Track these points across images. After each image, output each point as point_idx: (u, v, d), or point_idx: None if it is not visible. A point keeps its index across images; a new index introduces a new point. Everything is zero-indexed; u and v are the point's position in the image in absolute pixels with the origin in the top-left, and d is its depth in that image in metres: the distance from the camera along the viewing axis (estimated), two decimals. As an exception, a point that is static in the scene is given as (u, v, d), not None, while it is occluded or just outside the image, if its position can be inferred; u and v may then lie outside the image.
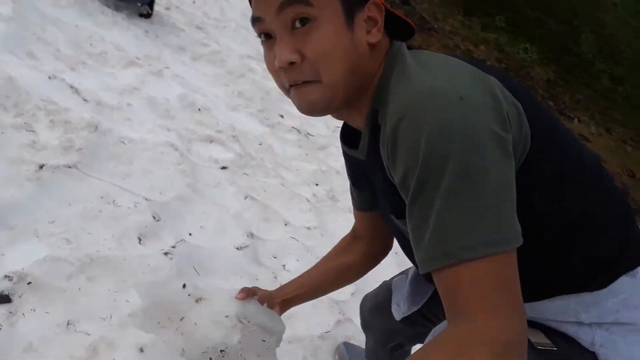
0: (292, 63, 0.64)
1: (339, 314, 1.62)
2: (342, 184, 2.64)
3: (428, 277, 0.67)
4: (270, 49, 0.68)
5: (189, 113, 2.59)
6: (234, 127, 2.66)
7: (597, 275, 0.68)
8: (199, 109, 2.67)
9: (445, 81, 0.59)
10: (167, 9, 4.05)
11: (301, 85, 0.66)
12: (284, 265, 1.78)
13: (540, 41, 10.66)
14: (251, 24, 0.69)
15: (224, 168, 2.24)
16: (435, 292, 0.65)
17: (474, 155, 0.55)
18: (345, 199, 2.55)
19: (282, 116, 3.19)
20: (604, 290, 0.68)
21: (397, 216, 0.73)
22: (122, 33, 3.12)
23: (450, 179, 0.55)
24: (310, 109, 0.68)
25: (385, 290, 1.12)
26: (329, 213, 2.31)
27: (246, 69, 3.68)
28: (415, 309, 1.00)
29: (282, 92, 0.72)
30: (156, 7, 3.67)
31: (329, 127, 3.39)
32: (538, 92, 8.62)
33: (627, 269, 0.69)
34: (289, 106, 3.17)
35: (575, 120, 8.62)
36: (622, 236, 0.72)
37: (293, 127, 3.10)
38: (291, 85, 0.68)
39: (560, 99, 8.91)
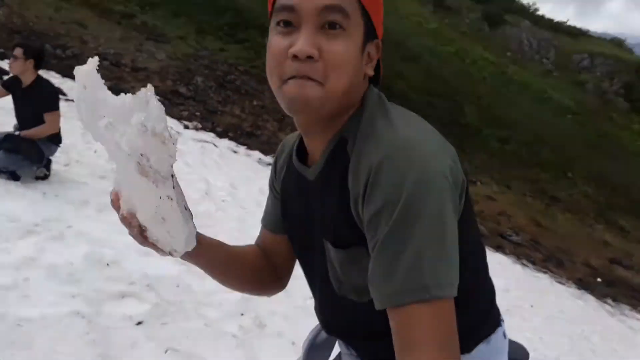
0: (309, 57, 0.67)
1: None
2: (268, 305, 2.61)
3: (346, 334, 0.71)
4: (284, 36, 0.70)
5: (97, 271, 2.49)
6: (148, 275, 2.58)
7: (465, 341, 0.74)
8: (108, 264, 2.58)
9: (424, 136, 0.68)
10: (67, 165, 4.03)
11: (305, 79, 0.68)
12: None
13: (431, 119, 11.85)
14: (276, 9, 0.72)
15: (139, 323, 2.13)
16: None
17: (445, 206, 0.63)
18: (273, 322, 2.51)
19: (199, 248, 3.16)
20: (467, 355, 0.77)
21: (335, 245, 0.76)
22: (16, 201, 3.03)
23: (427, 222, 0.62)
24: (304, 103, 0.69)
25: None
26: (258, 343, 2.23)
27: (157, 207, 3.67)
28: None
29: (275, 87, 0.72)
30: (54, 166, 3.64)
31: (249, 248, 3.40)
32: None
33: (485, 337, 0.80)
34: (204, 237, 3.16)
35: (478, 183, 9.43)
36: (485, 310, 0.83)
37: (212, 258, 3.07)
38: (292, 77, 0.69)
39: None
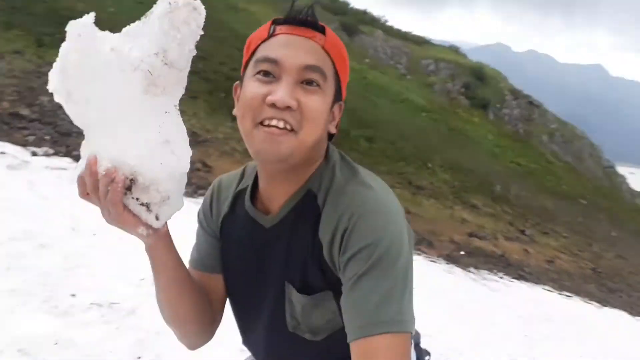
0: (288, 107, 0.73)
1: None
2: (169, 342, 2.35)
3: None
4: (263, 84, 0.76)
5: None
6: (17, 338, 2.14)
7: None
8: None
9: (387, 196, 0.80)
10: None
11: (280, 131, 0.73)
12: None
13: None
14: (258, 59, 0.77)
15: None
16: None
17: (409, 257, 0.76)
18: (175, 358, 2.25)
19: (74, 295, 2.70)
20: None
21: (300, 291, 0.82)
22: None
23: (397, 268, 0.72)
24: (275, 151, 0.74)
25: None
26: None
27: (12, 256, 3.03)
28: None
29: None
30: None
31: (131, 283, 3.02)
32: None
33: None
34: (79, 278, 2.70)
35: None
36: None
37: (92, 303, 2.65)
38: (264, 124, 0.74)
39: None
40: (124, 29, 0.65)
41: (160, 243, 0.78)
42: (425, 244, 7.37)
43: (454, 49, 31.79)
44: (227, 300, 0.99)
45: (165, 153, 0.66)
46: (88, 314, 2.54)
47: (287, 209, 0.83)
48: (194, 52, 0.65)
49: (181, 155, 0.68)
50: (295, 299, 0.82)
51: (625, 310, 6.60)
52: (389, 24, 30.51)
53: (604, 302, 6.78)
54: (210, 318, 0.95)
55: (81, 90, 0.64)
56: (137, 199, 0.68)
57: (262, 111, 0.74)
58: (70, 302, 2.64)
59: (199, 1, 0.64)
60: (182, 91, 0.67)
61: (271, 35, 0.78)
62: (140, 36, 0.63)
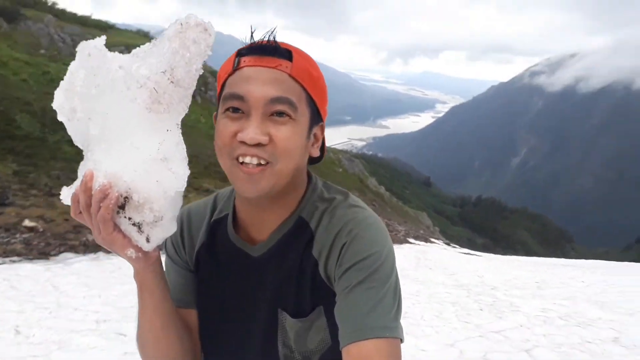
0: (258, 143, 0.74)
1: None
2: None
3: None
4: (233, 121, 0.76)
5: None
6: None
7: None
8: None
9: (373, 216, 0.83)
10: None
11: (257, 168, 0.75)
12: None
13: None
14: (225, 96, 0.77)
15: None
16: None
17: (396, 270, 0.80)
18: None
19: None
20: None
21: (294, 315, 0.83)
22: None
23: (389, 280, 0.77)
24: (258, 191, 0.76)
25: None
26: None
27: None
28: None
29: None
30: None
31: None
32: None
33: None
34: None
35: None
36: None
37: None
38: (239, 160, 0.75)
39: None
40: (133, 51, 0.67)
41: (149, 269, 0.77)
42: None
43: (143, 34, 30.57)
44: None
45: (162, 170, 0.67)
46: None
47: (277, 236, 0.84)
48: (200, 72, 0.67)
49: (178, 173, 0.68)
50: (289, 325, 0.83)
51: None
52: (59, 7, 26.55)
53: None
54: (192, 356, 0.91)
55: (86, 107, 0.66)
56: (130, 218, 0.68)
57: (235, 148, 0.75)
58: None
59: (210, 23, 0.66)
60: (186, 110, 0.69)
61: (235, 68, 0.77)
62: (149, 57, 0.66)
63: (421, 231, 21.86)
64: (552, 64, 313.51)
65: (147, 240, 0.70)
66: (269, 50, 0.76)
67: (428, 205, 77.04)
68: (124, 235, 0.69)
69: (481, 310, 5.12)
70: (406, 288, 5.96)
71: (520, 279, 7.49)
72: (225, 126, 0.76)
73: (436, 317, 4.75)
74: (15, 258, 5.26)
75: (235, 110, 0.75)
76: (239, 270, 0.87)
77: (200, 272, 0.92)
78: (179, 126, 0.69)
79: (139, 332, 0.84)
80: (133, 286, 0.81)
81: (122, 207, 0.67)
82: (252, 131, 0.72)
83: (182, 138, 0.70)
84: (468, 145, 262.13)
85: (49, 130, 11.66)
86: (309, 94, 0.78)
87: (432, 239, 18.26)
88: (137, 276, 0.78)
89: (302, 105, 0.77)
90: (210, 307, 0.91)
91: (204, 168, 13.14)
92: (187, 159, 0.70)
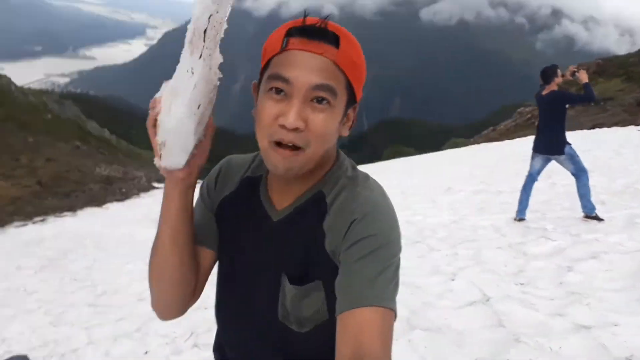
0: (296, 128, 0.76)
1: None
2: None
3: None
4: (276, 102, 0.78)
5: None
6: None
7: None
8: None
9: (386, 198, 0.87)
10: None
11: (290, 150, 0.79)
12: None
13: None
14: (270, 76, 0.79)
15: None
16: None
17: (399, 257, 0.84)
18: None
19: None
20: None
21: (291, 281, 0.87)
22: None
23: (391, 257, 0.80)
24: (287, 170, 0.80)
25: None
26: None
27: None
28: None
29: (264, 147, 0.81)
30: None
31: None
32: None
33: None
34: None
35: None
36: None
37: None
38: (279, 143, 0.79)
39: None
40: None
41: (175, 188, 0.84)
42: None
43: None
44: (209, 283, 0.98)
45: (171, 102, 0.75)
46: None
47: (296, 205, 0.89)
48: (225, 26, 0.73)
49: (176, 112, 0.75)
50: (287, 290, 0.87)
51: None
52: None
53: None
54: (191, 289, 0.94)
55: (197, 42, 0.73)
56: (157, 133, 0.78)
57: (275, 132, 0.79)
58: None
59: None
60: (218, 59, 0.75)
61: (283, 49, 0.80)
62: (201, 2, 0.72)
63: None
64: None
65: (160, 158, 0.80)
66: (317, 34, 0.78)
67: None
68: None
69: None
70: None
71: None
72: (269, 107, 0.79)
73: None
74: None
75: (279, 91, 0.78)
76: (255, 228, 0.92)
77: (219, 219, 0.98)
78: (211, 71, 0.75)
79: (152, 249, 0.90)
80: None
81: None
82: (292, 116, 0.76)
83: (206, 84, 0.75)
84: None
85: None
86: (349, 80, 0.82)
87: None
88: (164, 189, 0.86)
89: (341, 90, 0.81)
90: (225, 253, 0.97)
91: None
92: (208, 109, 0.78)
